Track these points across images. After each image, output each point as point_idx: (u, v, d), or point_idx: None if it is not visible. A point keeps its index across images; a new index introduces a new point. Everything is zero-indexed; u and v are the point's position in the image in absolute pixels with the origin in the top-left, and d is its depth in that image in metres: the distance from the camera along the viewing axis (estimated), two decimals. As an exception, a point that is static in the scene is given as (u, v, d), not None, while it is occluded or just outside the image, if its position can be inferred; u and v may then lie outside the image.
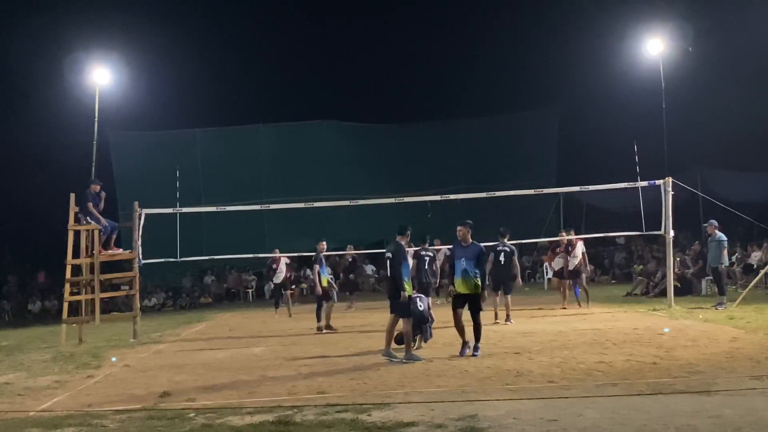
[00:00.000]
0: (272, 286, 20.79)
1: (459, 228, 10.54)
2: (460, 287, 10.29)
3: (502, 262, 14.55)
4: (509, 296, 14.66)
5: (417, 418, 6.55)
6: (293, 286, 21.90)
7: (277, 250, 19.71)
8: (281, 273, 19.29)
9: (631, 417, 6.29)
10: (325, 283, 14.76)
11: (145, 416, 7.16)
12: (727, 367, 8.38)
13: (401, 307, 10.12)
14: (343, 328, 14.75)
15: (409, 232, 10.58)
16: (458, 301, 10.36)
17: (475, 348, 10.13)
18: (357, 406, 7.10)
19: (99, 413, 7.42)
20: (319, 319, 14.69)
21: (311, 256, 15.71)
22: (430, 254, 14.19)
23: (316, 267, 14.82)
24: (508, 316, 14.33)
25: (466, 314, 10.31)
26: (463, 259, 10.24)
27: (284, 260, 19.46)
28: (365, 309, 19.13)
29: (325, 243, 15.45)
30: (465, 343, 10.23)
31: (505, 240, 14.77)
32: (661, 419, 6.17)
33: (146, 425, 6.82)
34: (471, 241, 10.45)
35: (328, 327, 14.60)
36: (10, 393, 9.05)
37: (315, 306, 15.09)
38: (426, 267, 13.67)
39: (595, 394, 7.28)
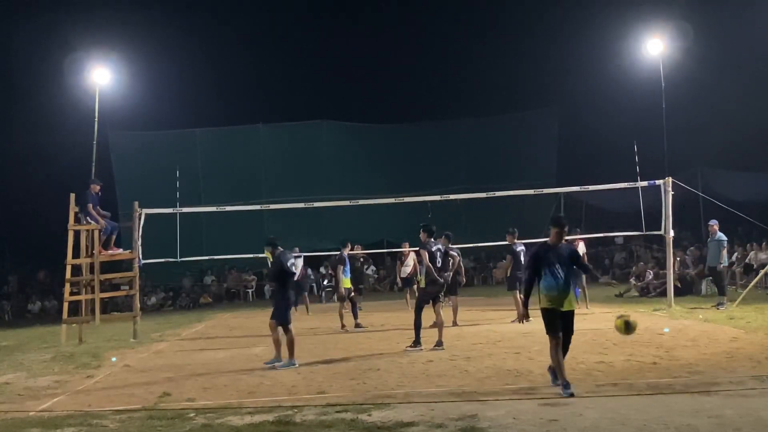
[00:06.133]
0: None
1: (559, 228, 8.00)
2: (556, 301, 7.76)
3: (523, 261, 14.82)
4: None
5: (417, 418, 6.55)
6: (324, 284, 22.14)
7: (297, 249, 19.77)
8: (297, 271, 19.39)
9: (631, 417, 6.29)
10: (348, 285, 14.97)
11: (145, 416, 7.17)
12: (727, 367, 8.39)
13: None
14: (342, 329, 14.76)
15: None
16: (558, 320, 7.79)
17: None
18: (357, 406, 7.11)
19: (99, 413, 7.43)
20: (356, 316, 14.95)
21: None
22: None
23: (340, 267, 14.96)
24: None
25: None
26: (557, 264, 7.79)
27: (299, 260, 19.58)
28: (365, 309, 19.08)
29: (349, 245, 15.53)
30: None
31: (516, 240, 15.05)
32: (661, 419, 6.17)
33: (146, 425, 6.83)
34: (562, 241, 8.05)
35: (357, 326, 14.68)
36: (10, 393, 9.05)
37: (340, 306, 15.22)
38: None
39: (595, 394, 7.28)
